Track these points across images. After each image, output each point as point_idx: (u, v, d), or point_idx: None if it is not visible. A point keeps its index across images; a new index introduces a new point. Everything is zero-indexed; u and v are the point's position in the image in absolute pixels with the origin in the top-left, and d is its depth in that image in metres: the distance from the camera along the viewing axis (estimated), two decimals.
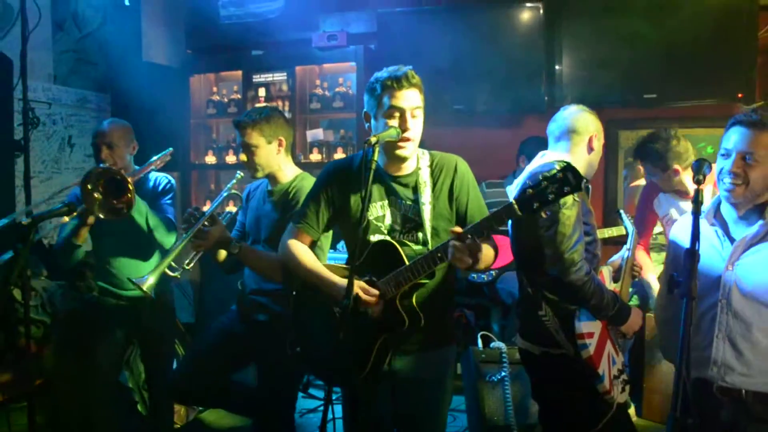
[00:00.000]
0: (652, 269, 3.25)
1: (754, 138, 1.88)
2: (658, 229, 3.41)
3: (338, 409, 2.30)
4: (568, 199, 2.05)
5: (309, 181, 2.58)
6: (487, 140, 4.46)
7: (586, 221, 2.16)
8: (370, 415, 2.16)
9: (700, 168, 1.80)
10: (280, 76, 4.79)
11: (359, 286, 1.98)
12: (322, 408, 1.86)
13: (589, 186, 2.40)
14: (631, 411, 3.51)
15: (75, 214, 2.63)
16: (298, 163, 2.86)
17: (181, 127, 4.98)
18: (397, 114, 2.02)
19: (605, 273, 2.33)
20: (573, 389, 2.15)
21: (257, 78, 4.84)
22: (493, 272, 3.87)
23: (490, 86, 4.27)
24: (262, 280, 2.65)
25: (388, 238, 2.08)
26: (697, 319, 1.95)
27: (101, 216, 2.66)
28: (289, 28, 4.84)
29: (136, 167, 2.98)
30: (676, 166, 3.02)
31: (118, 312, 2.97)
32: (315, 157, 4.69)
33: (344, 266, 2.19)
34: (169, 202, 2.97)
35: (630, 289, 2.92)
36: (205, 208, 2.69)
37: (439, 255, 1.91)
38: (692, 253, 1.59)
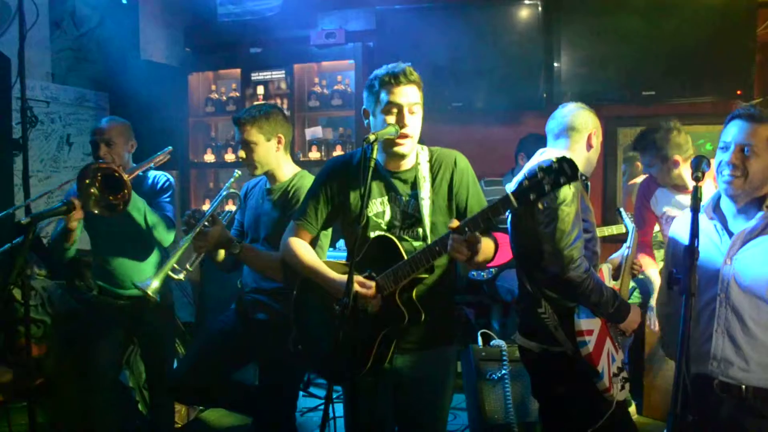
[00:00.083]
0: (654, 264, 3.25)
1: (752, 130, 1.88)
2: (657, 228, 3.41)
3: (339, 408, 2.30)
4: (568, 196, 2.05)
5: (308, 180, 2.57)
6: (486, 137, 4.46)
7: (585, 218, 2.16)
8: (371, 414, 2.16)
9: (699, 165, 1.79)
10: (278, 74, 4.79)
11: (356, 281, 1.98)
12: (322, 407, 1.86)
13: (588, 183, 2.40)
14: (632, 409, 3.51)
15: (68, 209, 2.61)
16: (296, 161, 2.85)
17: (180, 125, 4.97)
18: (395, 110, 2.01)
19: (605, 271, 2.33)
20: (572, 387, 2.15)
21: (256, 76, 4.83)
22: (492, 270, 3.87)
23: (489, 83, 4.27)
24: (261, 279, 2.64)
25: (387, 233, 2.08)
26: (697, 314, 1.95)
27: (96, 211, 2.66)
28: (288, 25, 4.84)
29: (135, 165, 2.97)
30: (677, 157, 3.01)
31: (118, 311, 2.97)
32: (314, 155, 4.69)
33: (344, 263, 2.19)
34: (168, 200, 2.96)
35: (631, 285, 2.92)
36: (204, 207, 2.68)
37: (437, 248, 1.91)
38: (691, 251, 1.59)
